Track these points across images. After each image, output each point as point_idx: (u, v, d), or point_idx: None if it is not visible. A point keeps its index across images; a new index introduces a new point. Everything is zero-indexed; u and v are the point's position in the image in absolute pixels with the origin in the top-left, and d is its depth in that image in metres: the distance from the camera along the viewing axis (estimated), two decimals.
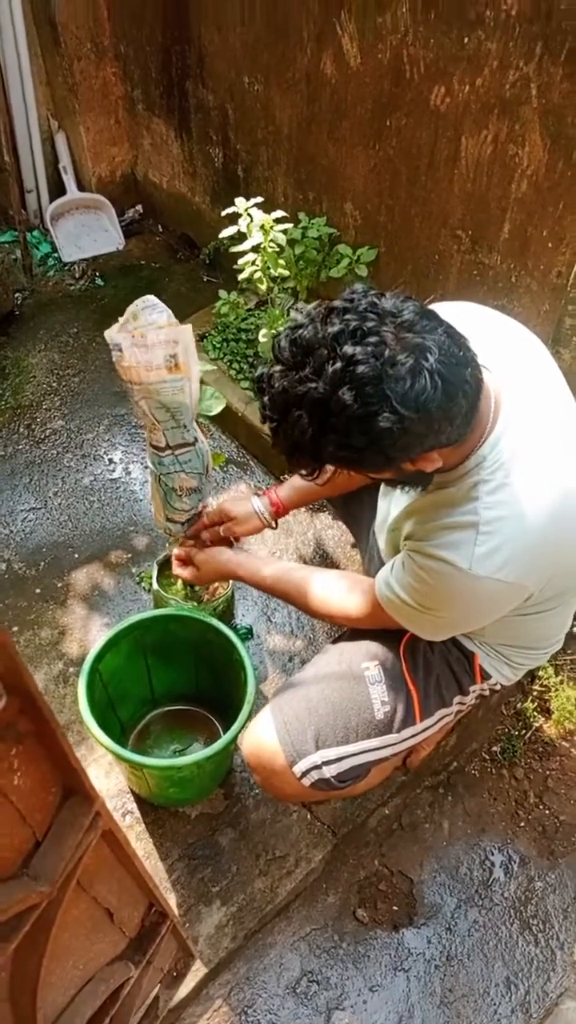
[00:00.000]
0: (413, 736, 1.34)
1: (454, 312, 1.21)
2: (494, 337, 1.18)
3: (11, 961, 0.64)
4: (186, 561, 1.53)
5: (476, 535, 1.06)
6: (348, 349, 0.91)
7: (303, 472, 1.05)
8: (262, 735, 1.31)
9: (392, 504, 1.31)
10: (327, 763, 1.26)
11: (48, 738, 0.56)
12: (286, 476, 2.22)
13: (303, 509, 2.18)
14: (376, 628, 1.33)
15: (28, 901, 0.59)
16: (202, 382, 1.37)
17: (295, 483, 1.59)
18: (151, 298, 1.24)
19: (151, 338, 1.19)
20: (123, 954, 0.92)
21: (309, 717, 1.28)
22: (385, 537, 1.35)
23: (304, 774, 1.27)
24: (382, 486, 1.40)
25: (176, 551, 1.56)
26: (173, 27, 2.36)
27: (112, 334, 1.20)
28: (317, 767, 1.26)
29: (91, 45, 2.58)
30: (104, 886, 0.78)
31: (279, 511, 1.58)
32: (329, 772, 1.27)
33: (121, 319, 1.22)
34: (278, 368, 0.98)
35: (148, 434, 1.34)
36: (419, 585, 1.14)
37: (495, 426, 1.08)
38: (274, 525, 1.58)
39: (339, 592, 1.35)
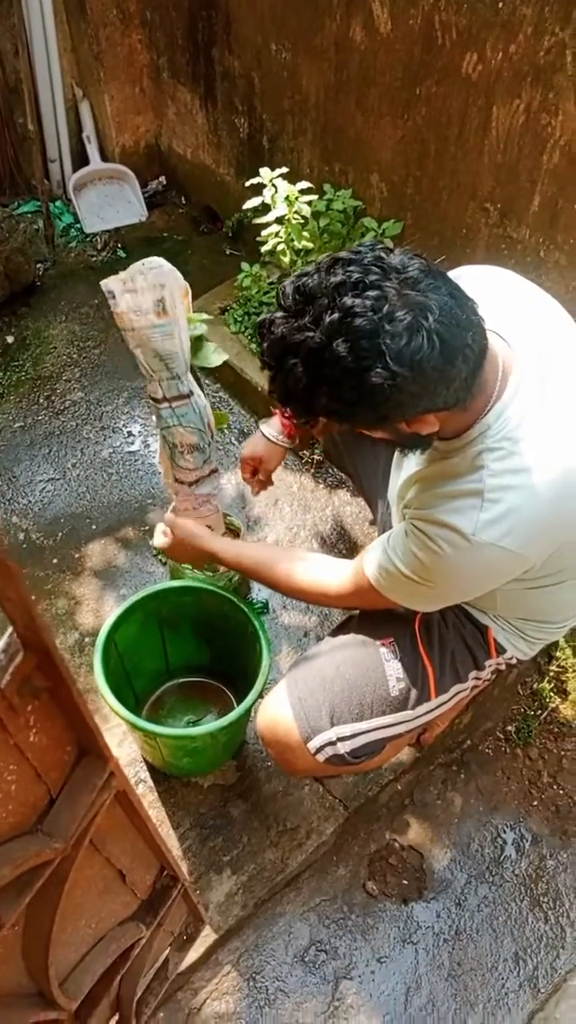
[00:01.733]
0: (428, 712, 1.33)
1: (477, 276, 1.19)
2: (514, 305, 1.16)
3: (24, 916, 0.65)
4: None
5: (481, 502, 1.04)
6: (347, 300, 0.91)
7: (297, 420, 1.04)
8: (277, 710, 1.30)
9: (401, 473, 1.29)
10: (342, 739, 1.26)
11: (64, 696, 0.56)
12: (304, 452, 2.22)
13: (321, 485, 2.17)
14: (356, 606, 1.33)
15: (42, 857, 0.59)
16: (204, 337, 1.36)
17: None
18: (156, 259, 1.24)
19: (139, 282, 1.20)
20: (134, 915, 0.93)
21: (324, 693, 1.28)
22: (395, 508, 1.34)
23: (318, 750, 1.26)
24: (395, 457, 1.39)
25: (165, 517, 1.51)
26: None
27: (107, 281, 1.22)
28: (332, 743, 1.26)
29: (117, 11, 2.54)
30: (117, 847, 0.79)
31: (290, 431, 1.58)
32: (343, 748, 1.26)
33: (122, 274, 1.23)
34: (279, 315, 0.97)
35: (147, 385, 1.36)
36: (421, 553, 1.11)
37: (502, 395, 1.06)
38: (295, 443, 1.61)
39: (320, 569, 1.33)
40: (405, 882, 1.62)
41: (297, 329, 0.94)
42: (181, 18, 2.45)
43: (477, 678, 1.37)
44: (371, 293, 0.91)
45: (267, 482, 1.65)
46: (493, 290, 1.15)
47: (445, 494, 1.09)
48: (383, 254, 0.95)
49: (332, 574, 1.31)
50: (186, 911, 1.12)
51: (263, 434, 1.59)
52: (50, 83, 2.64)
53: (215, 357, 1.36)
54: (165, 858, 0.92)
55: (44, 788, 0.60)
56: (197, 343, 1.35)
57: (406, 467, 1.27)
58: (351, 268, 0.93)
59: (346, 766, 1.31)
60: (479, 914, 1.59)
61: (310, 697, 1.28)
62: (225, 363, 2.24)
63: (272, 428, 1.58)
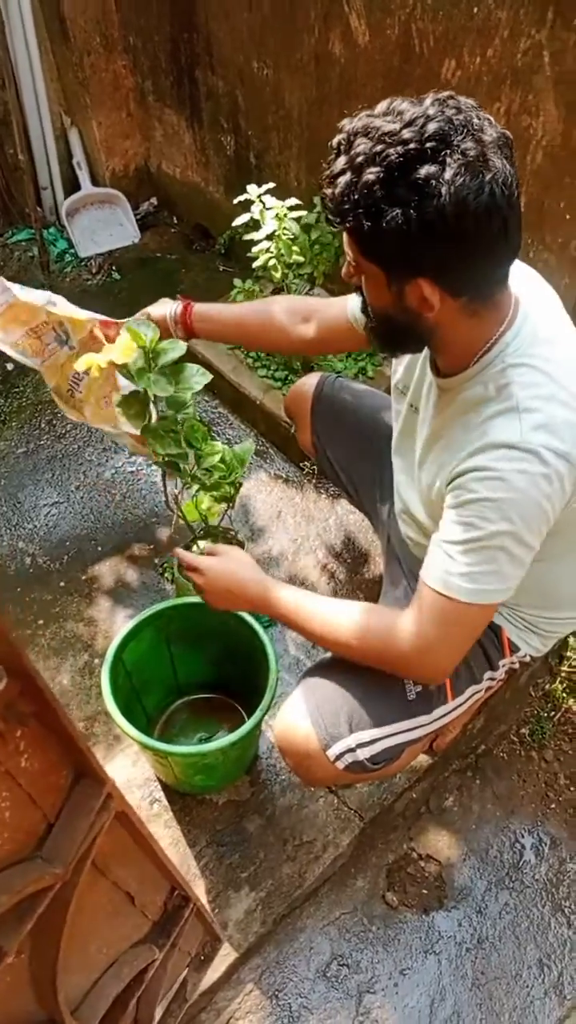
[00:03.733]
0: (445, 715, 1.32)
1: None
2: (517, 268, 1.17)
3: (29, 943, 0.65)
4: (193, 568, 1.31)
5: (518, 415, 1.03)
6: (433, 110, 0.93)
7: (329, 213, 1.01)
8: (294, 718, 1.28)
9: (416, 453, 1.26)
10: (361, 745, 1.24)
11: (53, 720, 0.56)
12: (305, 463, 2.22)
13: (323, 496, 2.17)
14: (433, 652, 1.15)
15: (41, 883, 0.59)
16: (187, 358, 1.35)
17: (213, 306, 1.52)
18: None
19: None
20: (146, 937, 0.93)
21: (342, 699, 1.26)
22: (416, 492, 1.27)
23: (338, 757, 1.24)
24: (398, 454, 1.37)
25: (183, 553, 1.34)
26: (180, 15, 2.34)
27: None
28: (351, 750, 1.24)
29: (100, 38, 2.58)
30: (123, 869, 0.79)
31: (188, 316, 1.47)
32: (363, 755, 1.24)
33: None
34: (365, 113, 0.99)
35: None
36: (479, 492, 1.04)
37: (515, 318, 1.08)
38: (180, 334, 1.49)
39: (379, 618, 1.18)
40: (425, 892, 1.61)
41: (379, 119, 0.96)
42: (163, 42, 2.48)
43: (491, 678, 1.36)
44: (459, 118, 0.93)
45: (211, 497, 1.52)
46: None
47: (475, 425, 1.07)
48: (483, 114, 0.97)
49: (396, 618, 1.15)
50: (201, 931, 1.11)
51: (167, 308, 1.49)
52: (38, 113, 2.68)
53: (199, 379, 1.36)
54: (174, 878, 0.92)
55: (40, 814, 0.60)
56: (176, 369, 1.35)
57: (419, 437, 1.25)
58: (451, 100, 0.96)
59: (365, 773, 1.29)
60: (501, 921, 1.57)
61: (327, 704, 1.26)
62: (223, 378, 2.27)
63: (174, 306, 1.49)
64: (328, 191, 1.00)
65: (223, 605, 1.31)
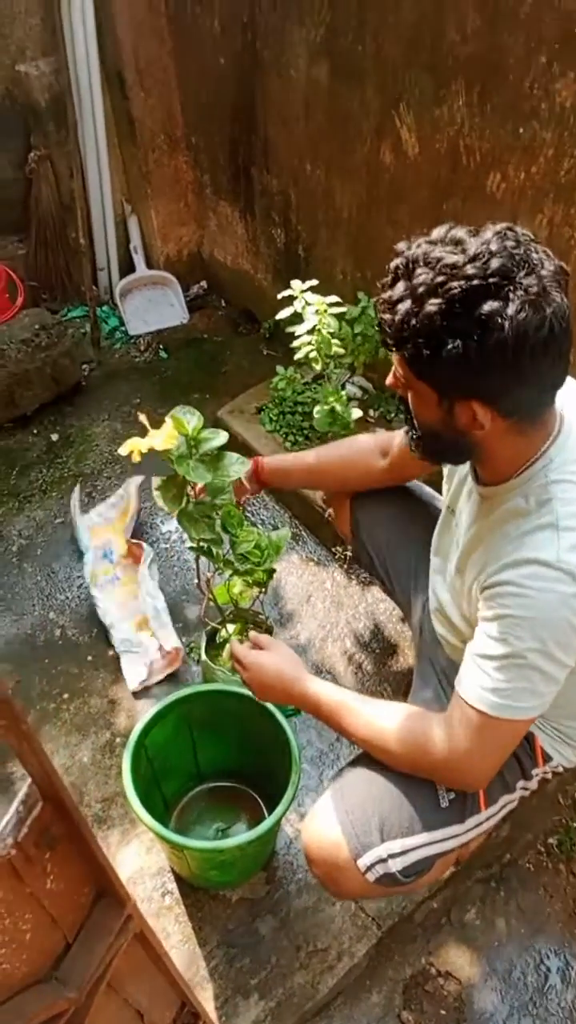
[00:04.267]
0: (478, 825, 1.28)
1: None
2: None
3: None
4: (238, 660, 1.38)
5: (557, 532, 1.03)
6: (495, 245, 0.96)
7: (388, 339, 1.04)
8: (324, 827, 1.24)
9: (453, 553, 1.27)
10: (392, 856, 1.20)
11: (79, 841, 0.56)
12: (337, 548, 2.23)
13: (354, 582, 2.17)
14: (466, 769, 1.16)
15: (56, 1008, 0.58)
16: (227, 447, 1.40)
17: (284, 457, 1.65)
18: None
19: None
20: None
21: (373, 806, 1.22)
22: (450, 594, 1.29)
23: (369, 868, 1.20)
24: (437, 550, 1.38)
25: (236, 646, 1.41)
26: (241, 120, 2.49)
27: None
28: (382, 860, 1.20)
29: (164, 137, 2.74)
30: (135, 987, 0.76)
31: (260, 470, 1.61)
32: (395, 866, 1.20)
33: None
34: (423, 240, 1.02)
35: None
36: (510, 608, 1.04)
37: (560, 435, 1.09)
38: (254, 484, 1.62)
39: (417, 724, 1.17)
40: (443, 1012, 1.53)
41: (439, 249, 0.98)
42: (223, 142, 2.63)
43: (524, 788, 1.32)
44: (519, 253, 0.96)
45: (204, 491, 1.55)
46: None
47: (514, 539, 1.07)
48: (537, 243, 1.01)
49: (433, 727, 1.15)
50: None
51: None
52: (101, 201, 2.83)
53: (237, 468, 1.39)
54: (185, 995, 0.89)
55: (60, 933, 0.59)
56: (216, 457, 1.39)
57: (458, 541, 1.26)
58: (510, 232, 0.99)
59: (396, 887, 1.24)
60: None
61: (358, 810, 1.22)
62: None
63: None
64: (386, 316, 1.03)
65: (264, 697, 1.36)
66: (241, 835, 1.36)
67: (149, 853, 1.65)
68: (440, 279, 0.96)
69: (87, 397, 2.73)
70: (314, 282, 2.02)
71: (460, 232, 1.00)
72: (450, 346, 0.97)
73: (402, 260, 1.02)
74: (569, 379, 1.21)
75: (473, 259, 0.96)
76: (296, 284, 2.02)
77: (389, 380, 1.13)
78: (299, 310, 2.01)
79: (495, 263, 0.95)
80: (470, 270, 0.95)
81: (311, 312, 1.98)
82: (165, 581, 2.18)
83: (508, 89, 1.67)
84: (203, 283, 3.17)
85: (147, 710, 1.51)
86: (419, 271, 0.98)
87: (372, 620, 2.09)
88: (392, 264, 1.04)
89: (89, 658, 2.00)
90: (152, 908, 1.57)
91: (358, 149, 2.12)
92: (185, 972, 1.47)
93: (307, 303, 1.98)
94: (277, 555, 1.52)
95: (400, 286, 1.00)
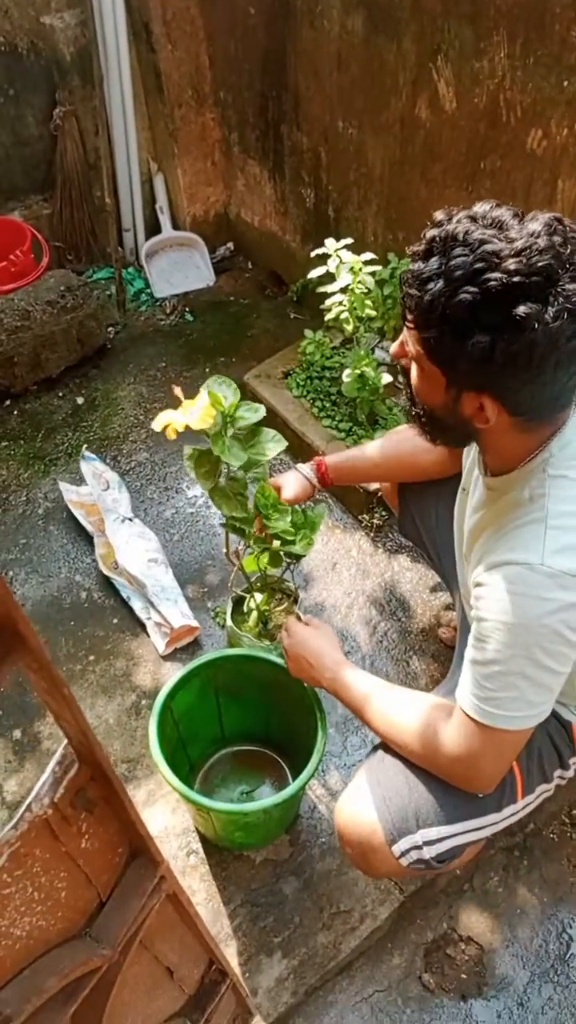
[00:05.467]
0: (514, 814, 1.27)
1: None
2: None
3: (71, 1022, 0.64)
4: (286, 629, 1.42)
5: (545, 530, 0.99)
6: (543, 241, 0.89)
7: (408, 313, 0.98)
8: (360, 810, 1.23)
9: (465, 529, 1.25)
10: (428, 843, 1.18)
11: (115, 802, 0.55)
12: (364, 516, 2.21)
13: (380, 550, 2.15)
14: (466, 780, 1.16)
15: (90, 964, 0.58)
16: (262, 424, 1.37)
17: (348, 454, 1.62)
18: None
19: None
20: (181, 1011, 0.91)
21: (410, 794, 1.20)
22: (466, 575, 1.27)
23: (403, 854, 1.19)
24: (456, 506, 1.35)
25: (291, 620, 1.43)
26: (271, 74, 2.42)
27: None
28: (417, 847, 1.18)
29: (192, 92, 2.67)
30: (165, 944, 0.77)
31: (324, 473, 1.59)
32: (429, 853, 1.19)
33: None
34: (463, 215, 0.95)
35: None
36: (494, 612, 1.01)
37: (564, 431, 1.04)
38: (319, 486, 1.60)
39: (433, 728, 1.16)
40: (464, 976, 1.54)
41: (483, 231, 0.92)
42: (252, 98, 2.56)
43: (561, 776, 1.31)
44: (566, 251, 0.90)
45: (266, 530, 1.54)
46: None
47: (505, 532, 1.04)
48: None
49: (441, 729, 1.15)
50: (234, 1004, 1.08)
51: (296, 469, 1.59)
52: (127, 159, 2.78)
53: (273, 446, 1.36)
54: (214, 953, 0.90)
55: (94, 892, 0.59)
56: (252, 433, 1.36)
57: (465, 527, 1.24)
58: (558, 224, 0.92)
59: (428, 870, 1.24)
60: (543, 1017, 1.49)
61: (396, 797, 1.21)
62: (287, 426, 2.28)
63: (307, 468, 1.59)
64: (413, 291, 0.96)
65: (299, 674, 1.37)
66: (266, 799, 1.36)
67: (174, 813, 1.67)
68: (479, 266, 0.90)
69: (112, 360, 2.71)
70: (349, 240, 1.97)
71: (505, 213, 0.94)
72: (475, 339, 0.92)
73: (440, 232, 0.94)
74: None
75: (518, 253, 0.89)
76: (330, 242, 1.97)
77: (395, 349, 1.08)
78: (332, 269, 1.97)
79: (540, 262, 0.89)
80: (512, 264, 0.89)
81: (345, 270, 1.93)
82: (191, 546, 2.18)
83: (553, 39, 1.60)
84: (230, 245, 3.12)
85: (173, 673, 1.52)
86: (457, 250, 0.91)
87: (398, 589, 2.07)
88: (428, 234, 0.96)
89: (115, 621, 2.01)
90: (177, 866, 1.59)
91: (392, 104, 2.05)
92: (210, 929, 1.49)
93: (341, 261, 1.93)
94: (313, 533, 1.50)
95: (434, 262, 0.94)
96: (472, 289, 0.90)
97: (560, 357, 0.91)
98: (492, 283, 0.89)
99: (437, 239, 0.94)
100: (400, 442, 1.55)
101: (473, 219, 0.94)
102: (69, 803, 0.49)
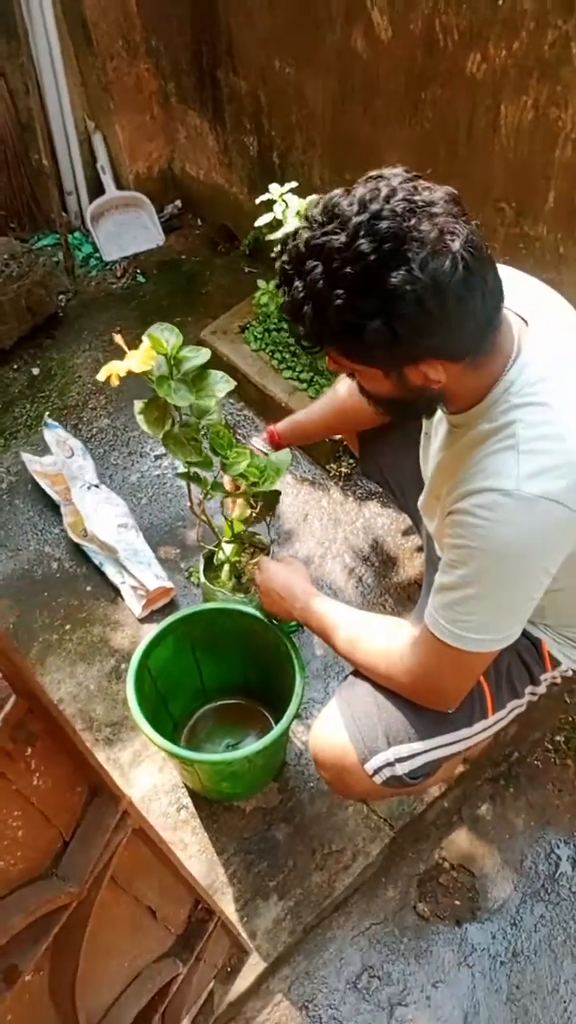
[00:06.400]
0: (486, 729, 1.29)
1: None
2: (521, 287, 1.14)
3: (47, 961, 0.64)
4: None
5: (517, 455, 0.98)
6: (375, 206, 0.89)
7: (305, 343, 0.99)
8: (331, 732, 1.26)
9: (429, 467, 1.25)
10: (400, 760, 1.21)
11: (63, 738, 0.55)
12: (332, 466, 2.19)
13: (350, 498, 2.14)
14: (431, 689, 1.18)
15: (57, 902, 0.58)
16: (209, 365, 1.36)
17: (295, 417, 1.65)
18: None
19: None
20: (170, 951, 0.91)
21: (379, 713, 1.23)
22: (435, 516, 1.26)
23: (376, 771, 1.21)
24: (421, 453, 1.35)
25: (262, 558, 1.49)
26: (200, 16, 2.34)
27: None
28: (390, 764, 1.21)
29: (123, 42, 2.58)
30: (144, 884, 0.77)
31: (275, 441, 1.62)
32: (402, 769, 1.21)
33: None
34: (304, 226, 0.95)
35: None
36: (465, 539, 1.01)
37: (520, 355, 1.03)
38: (268, 450, 1.64)
39: (397, 648, 1.18)
40: (457, 903, 1.58)
41: (323, 234, 0.91)
42: (185, 44, 2.48)
43: (533, 693, 1.33)
44: (400, 204, 0.89)
45: (245, 502, 1.58)
46: (505, 276, 1.13)
47: (475, 463, 1.03)
48: (415, 179, 0.94)
49: (404, 649, 1.17)
50: (228, 943, 1.10)
51: (250, 444, 1.62)
52: (62, 118, 2.69)
53: (222, 386, 1.34)
54: (197, 892, 0.90)
55: (55, 831, 0.59)
56: (199, 376, 1.34)
57: (431, 466, 1.23)
58: (381, 182, 0.92)
59: (403, 787, 1.26)
60: (536, 934, 1.53)
61: (365, 717, 1.23)
62: (248, 381, 2.26)
63: (259, 441, 1.62)
64: (295, 324, 0.97)
65: (272, 608, 1.41)
66: (248, 747, 1.37)
67: (161, 772, 1.68)
68: (334, 266, 0.89)
69: (66, 328, 2.65)
70: (293, 184, 1.93)
71: (335, 199, 0.92)
72: (371, 329, 0.91)
73: (287, 256, 0.95)
74: (517, 280, 1.16)
75: (356, 233, 0.88)
76: (274, 187, 1.92)
77: (329, 365, 1.07)
78: (279, 216, 1.92)
79: (383, 226, 0.87)
80: (362, 246, 0.87)
81: (292, 215, 1.89)
82: (160, 508, 2.16)
83: None
84: (177, 202, 3.04)
85: (148, 634, 1.51)
86: (309, 264, 0.91)
87: (370, 534, 2.07)
88: (279, 264, 0.97)
89: (88, 588, 1.99)
90: (169, 822, 1.61)
91: (327, 38, 1.99)
92: (204, 879, 1.50)
93: (287, 205, 1.89)
94: (278, 476, 1.49)
95: (296, 285, 0.94)
96: (338, 292, 0.90)
97: (455, 294, 0.90)
98: (351, 275, 0.89)
99: (288, 264, 0.95)
100: (347, 396, 1.55)
101: (310, 227, 0.94)
102: (9, 737, 0.49)
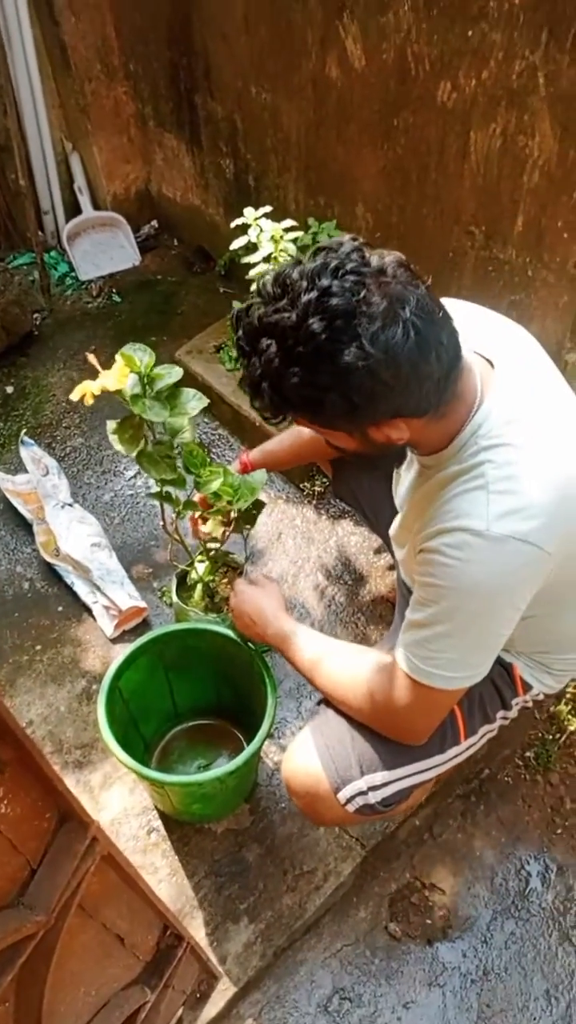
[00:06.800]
0: (457, 756, 1.29)
1: (450, 305, 1.20)
2: (484, 326, 1.16)
3: (13, 991, 0.63)
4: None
5: (487, 495, 1.00)
6: (324, 282, 0.90)
7: (267, 415, 1.01)
8: (304, 760, 1.25)
9: (401, 499, 1.27)
10: (373, 788, 1.21)
11: (32, 766, 0.54)
12: (305, 484, 2.21)
13: (323, 517, 2.15)
14: (399, 733, 1.19)
15: (23, 931, 0.58)
16: (182, 384, 1.37)
17: (266, 446, 1.66)
18: None
19: None
20: (138, 978, 0.90)
21: (352, 742, 1.23)
22: (405, 546, 1.29)
23: (349, 800, 1.21)
24: (393, 478, 1.36)
25: (237, 579, 1.48)
26: (179, 42, 2.37)
27: None
28: (362, 793, 1.21)
29: (101, 65, 2.60)
30: (112, 911, 0.76)
31: (247, 470, 1.63)
32: (375, 798, 1.21)
33: None
34: (257, 300, 0.96)
35: None
36: (436, 578, 1.02)
37: (485, 400, 1.04)
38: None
39: (368, 684, 1.18)
40: (428, 921, 1.58)
41: (274, 311, 0.93)
42: (163, 68, 2.51)
43: (504, 717, 1.33)
44: (349, 277, 0.90)
45: (216, 521, 1.58)
46: (468, 316, 1.15)
47: (445, 502, 1.05)
48: (364, 249, 0.95)
49: (378, 684, 1.16)
50: (197, 968, 1.09)
51: None
52: (39, 138, 2.70)
53: (195, 404, 1.35)
54: (166, 917, 0.90)
55: (22, 859, 0.58)
56: (172, 395, 1.35)
57: (403, 501, 1.25)
58: (330, 256, 0.93)
59: (376, 814, 1.26)
60: (507, 951, 1.54)
61: (338, 746, 1.23)
62: (223, 400, 2.27)
63: (232, 469, 1.60)
64: (255, 401, 0.99)
65: (244, 631, 1.41)
66: (219, 768, 1.36)
67: (132, 794, 1.66)
68: (288, 344, 0.91)
69: (40, 347, 2.65)
70: (268, 208, 1.95)
71: (286, 272, 0.94)
72: (327, 401, 0.93)
73: (242, 332, 0.97)
74: (479, 318, 1.18)
75: (307, 312, 0.90)
76: (249, 211, 1.94)
77: (297, 424, 1.08)
78: (253, 239, 1.94)
79: (332, 303, 0.89)
80: (312, 325, 0.89)
81: (266, 239, 1.91)
82: (133, 528, 2.15)
83: None
84: (153, 222, 3.06)
85: (119, 655, 1.50)
86: (264, 342, 0.93)
87: (343, 553, 2.08)
88: (235, 341, 0.99)
89: (60, 608, 1.98)
90: (139, 846, 1.59)
91: (303, 65, 2.02)
92: (174, 903, 1.49)
93: (261, 230, 1.91)
94: (253, 495, 1.50)
95: (253, 362, 0.96)
96: (293, 369, 0.92)
97: (409, 360, 0.92)
98: (305, 355, 0.91)
99: (242, 339, 0.97)
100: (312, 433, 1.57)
101: (264, 302, 0.95)
102: None
